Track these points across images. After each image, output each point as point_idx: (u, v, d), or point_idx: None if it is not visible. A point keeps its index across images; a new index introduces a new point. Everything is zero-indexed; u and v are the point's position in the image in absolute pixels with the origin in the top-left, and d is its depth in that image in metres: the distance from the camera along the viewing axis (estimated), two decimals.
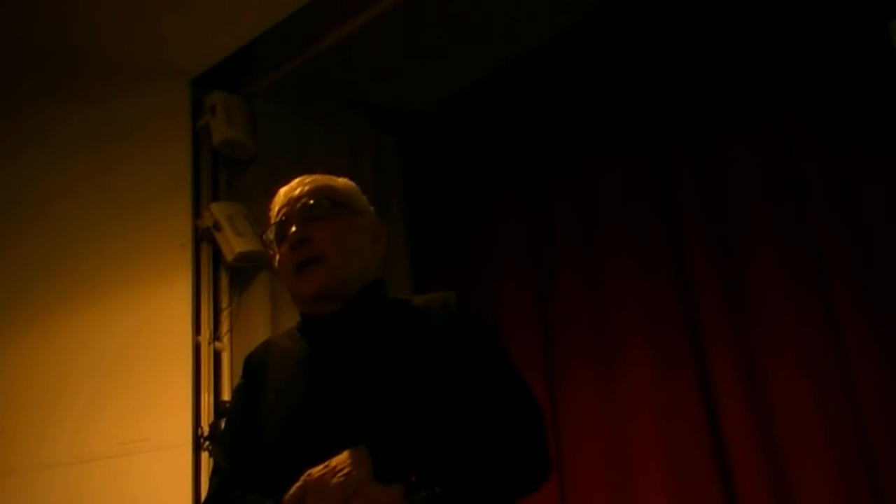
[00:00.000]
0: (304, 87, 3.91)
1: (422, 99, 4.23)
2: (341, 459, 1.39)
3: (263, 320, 3.50)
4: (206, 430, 3.27)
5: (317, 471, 1.40)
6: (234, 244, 3.48)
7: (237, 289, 3.61)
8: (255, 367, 1.74)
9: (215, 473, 1.71)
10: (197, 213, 3.58)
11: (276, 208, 1.77)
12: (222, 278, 3.60)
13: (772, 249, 3.23)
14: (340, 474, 1.37)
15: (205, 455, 3.24)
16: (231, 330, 3.52)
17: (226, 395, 3.40)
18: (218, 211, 3.54)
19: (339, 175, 1.85)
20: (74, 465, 3.30)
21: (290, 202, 1.75)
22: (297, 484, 1.40)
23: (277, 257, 1.74)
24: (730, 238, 3.34)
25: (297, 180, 1.79)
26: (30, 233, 3.78)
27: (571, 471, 3.38)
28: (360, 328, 1.65)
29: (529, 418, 1.58)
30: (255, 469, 1.58)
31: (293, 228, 1.70)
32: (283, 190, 1.79)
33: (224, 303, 3.56)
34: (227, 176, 3.79)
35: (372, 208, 1.84)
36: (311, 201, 1.73)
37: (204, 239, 3.56)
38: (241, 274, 3.61)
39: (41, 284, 3.67)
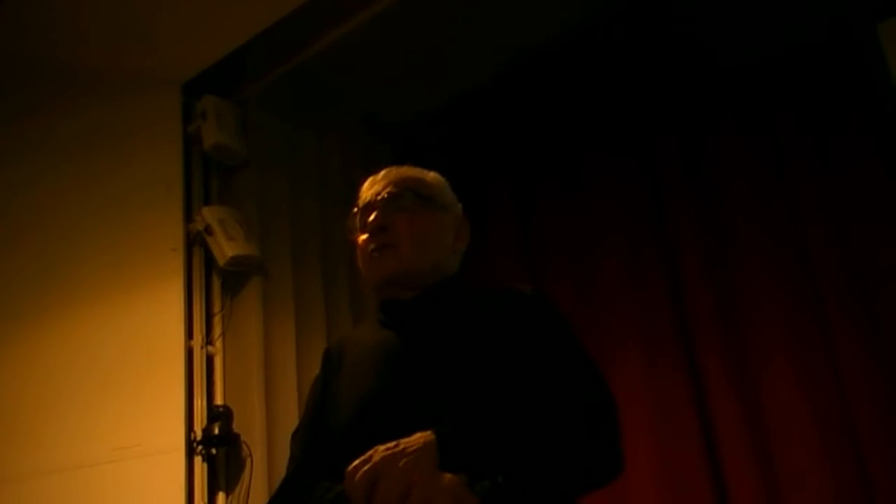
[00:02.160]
0: (296, 92, 3.92)
1: (415, 106, 4.24)
2: (410, 442, 1.39)
3: (256, 324, 3.50)
4: (198, 434, 3.27)
5: (385, 448, 1.39)
6: (226, 248, 3.47)
7: (229, 293, 3.59)
8: (332, 359, 1.76)
9: (290, 462, 1.72)
10: (189, 217, 3.57)
11: (361, 196, 1.78)
12: (214, 283, 3.59)
13: (763, 258, 3.25)
14: (407, 459, 1.37)
15: (197, 460, 3.25)
16: (223, 334, 3.52)
17: (218, 400, 3.40)
18: (210, 215, 3.53)
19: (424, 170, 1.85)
20: (68, 472, 3.28)
21: (375, 191, 1.76)
22: (363, 458, 1.40)
23: (358, 243, 1.75)
24: (722, 247, 3.36)
25: (385, 170, 1.80)
26: (21, 240, 3.77)
27: None
28: (434, 317, 1.66)
29: (602, 413, 1.56)
30: (328, 457, 1.58)
31: (373, 215, 1.72)
32: (370, 179, 1.80)
33: (216, 307, 3.56)
34: (218, 181, 3.78)
35: (460, 205, 1.84)
36: (396, 191, 1.74)
37: (196, 243, 3.55)
38: (234, 278, 3.60)
39: (33, 291, 3.66)
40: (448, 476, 1.36)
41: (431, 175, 1.82)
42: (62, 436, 3.39)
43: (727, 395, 3.18)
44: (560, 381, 1.56)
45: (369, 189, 1.78)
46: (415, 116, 4.31)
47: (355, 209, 1.79)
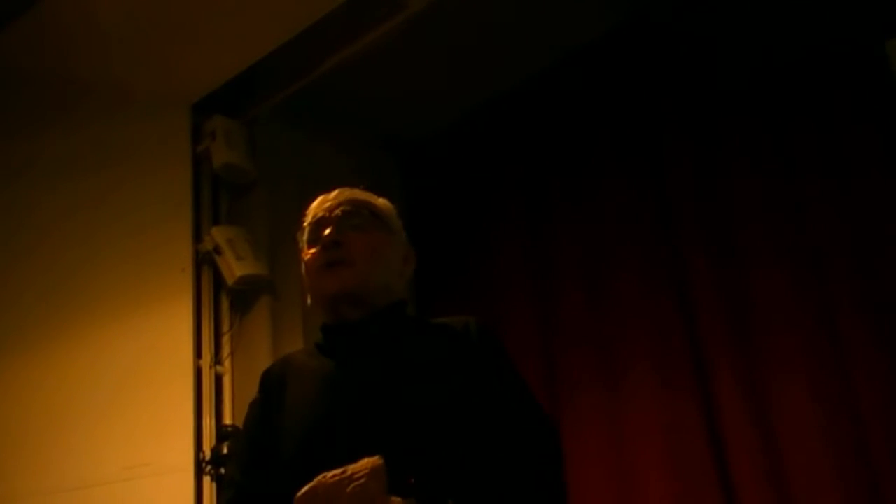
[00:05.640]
0: (305, 111, 3.92)
1: (424, 123, 4.25)
2: (358, 468, 1.39)
3: (265, 343, 3.51)
4: (207, 454, 3.27)
5: (332, 475, 1.39)
6: (235, 268, 3.49)
7: (238, 312, 3.61)
8: (272, 383, 1.72)
9: (228, 486, 1.69)
10: (198, 237, 3.58)
11: (312, 212, 1.77)
12: (223, 302, 3.60)
13: (775, 271, 3.23)
14: (356, 484, 1.36)
15: (206, 479, 3.24)
16: (232, 353, 3.53)
17: (227, 419, 3.40)
18: (219, 235, 3.55)
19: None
20: (78, 491, 3.29)
21: (328, 208, 1.74)
22: (311, 484, 1.39)
23: (307, 258, 1.73)
24: (733, 260, 3.34)
25: (337, 190, 1.79)
26: (30, 258, 3.79)
27: (577, 496, 3.34)
28: (380, 344, 1.64)
29: (544, 442, 1.58)
30: (270, 484, 1.57)
31: (328, 230, 1.70)
32: (321, 197, 1.78)
33: (225, 327, 3.57)
34: (227, 200, 3.80)
35: (405, 234, 1.83)
36: (351, 209, 1.73)
37: (205, 263, 3.57)
38: (242, 297, 3.62)
39: (42, 310, 3.67)
40: (397, 500, 1.37)
41: (381, 200, 1.82)
42: (71, 454, 3.40)
43: (739, 410, 3.16)
44: (502, 412, 1.57)
45: (321, 206, 1.76)
46: (423, 134, 4.32)
47: (305, 225, 1.77)
